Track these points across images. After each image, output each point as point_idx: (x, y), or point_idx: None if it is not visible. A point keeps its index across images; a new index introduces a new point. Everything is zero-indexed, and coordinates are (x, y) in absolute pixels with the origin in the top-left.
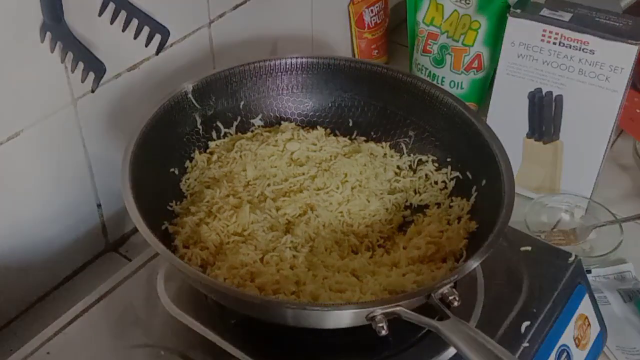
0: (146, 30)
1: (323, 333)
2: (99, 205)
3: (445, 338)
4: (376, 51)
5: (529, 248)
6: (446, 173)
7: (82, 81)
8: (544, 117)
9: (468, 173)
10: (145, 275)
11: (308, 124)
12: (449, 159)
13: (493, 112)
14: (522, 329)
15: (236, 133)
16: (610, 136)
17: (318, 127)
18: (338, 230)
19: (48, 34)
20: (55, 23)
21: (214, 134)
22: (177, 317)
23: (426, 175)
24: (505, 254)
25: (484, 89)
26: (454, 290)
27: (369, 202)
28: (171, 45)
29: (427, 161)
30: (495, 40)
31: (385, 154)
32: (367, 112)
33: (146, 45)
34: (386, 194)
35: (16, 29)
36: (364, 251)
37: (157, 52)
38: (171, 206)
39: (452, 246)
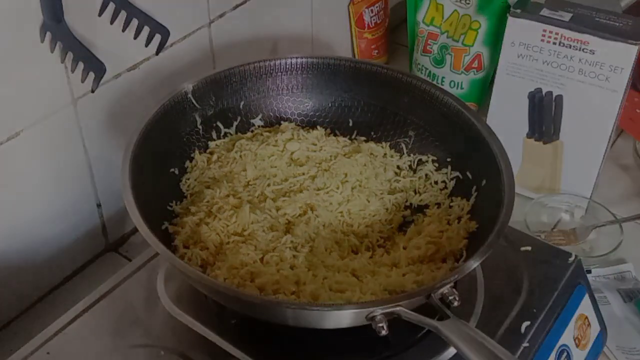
0: (146, 30)
1: (323, 333)
2: (99, 205)
3: (445, 338)
4: (376, 51)
5: (529, 248)
6: (446, 173)
7: (82, 81)
8: (544, 117)
9: (468, 173)
10: (145, 275)
11: (308, 124)
12: (449, 159)
13: (493, 112)
14: (522, 329)
15: (236, 133)
16: (610, 136)
17: (318, 127)
18: (338, 230)
19: (48, 34)
20: (55, 23)
21: (214, 134)
22: (177, 317)
23: (426, 175)
24: (505, 254)
25: (484, 89)
26: (454, 290)
27: (369, 202)
28: (171, 45)
29: (427, 161)
30: (495, 40)
31: (385, 154)
32: (367, 112)
33: (146, 45)
34: (386, 194)
35: (16, 29)
36: (364, 251)
37: (157, 52)
38: (171, 206)
39: (452, 246)
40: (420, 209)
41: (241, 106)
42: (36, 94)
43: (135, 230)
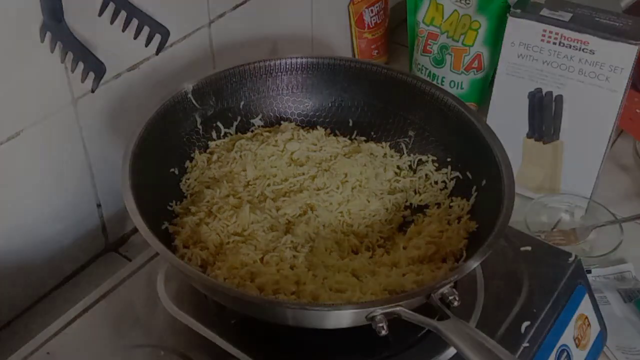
0: (146, 30)
1: (323, 333)
2: (99, 205)
3: (445, 338)
4: (376, 51)
5: (529, 248)
6: (446, 173)
7: (82, 81)
8: (544, 117)
9: (468, 173)
10: (145, 275)
11: (308, 124)
12: (449, 159)
13: (493, 112)
14: (522, 329)
15: (236, 133)
16: (610, 136)
17: (318, 127)
18: (338, 230)
19: (48, 34)
20: (55, 23)
21: (214, 134)
22: (177, 317)
23: (426, 175)
24: (505, 254)
25: (484, 89)
26: (454, 290)
27: (369, 202)
28: (171, 45)
29: (427, 161)
30: (495, 40)
31: (385, 154)
32: (367, 112)
33: (146, 45)
34: (386, 194)
35: (16, 29)
36: (364, 251)
37: (157, 52)
38: (171, 206)
39: (452, 246)
40: (420, 209)
41: (241, 106)
42: (36, 94)
43: (135, 230)
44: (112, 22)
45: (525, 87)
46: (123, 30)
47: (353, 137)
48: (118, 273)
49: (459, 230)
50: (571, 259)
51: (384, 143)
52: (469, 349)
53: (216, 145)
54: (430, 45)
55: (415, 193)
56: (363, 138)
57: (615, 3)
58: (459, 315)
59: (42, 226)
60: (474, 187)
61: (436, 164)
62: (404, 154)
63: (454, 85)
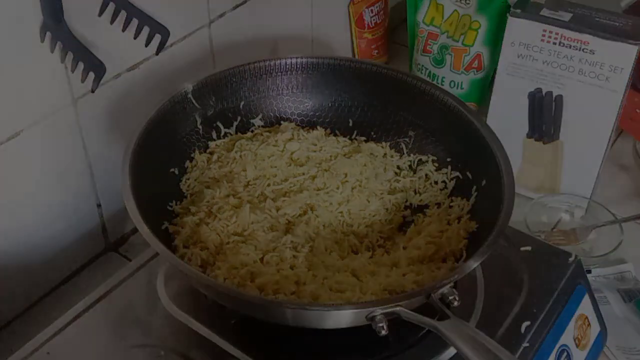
0: (146, 30)
1: (323, 333)
2: (99, 205)
3: (445, 338)
4: (376, 51)
5: (529, 248)
6: (446, 173)
7: (82, 81)
8: (544, 117)
9: (468, 173)
10: (145, 275)
11: (308, 124)
12: (449, 159)
13: (493, 112)
14: (522, 329)
15: (236, 133)
16: (610, 136)
17: (318, 127)
18: (338, 230)
19: (48, 34)
20: (55, 23)
21: (214, 134)
22: (177, 317)
23: (426, 175)
24: (505, 254)
25: (484, 89)
26: (454, 290)
27: (369, 202)
28: (171, 45)
29: (427, 161)
30: (495, 40)
31: (385, 154)
32: (367, 112)
33: (146, 45)
34: (386, 194)
35: (16, 29)
36: (364, 251)
37: (157, 52)
38: (171, 206)
39: (452, 246)
40: (420, 209)
41: (241, 106)
42: (36, 94)
43: (135, 230)
44: (112, 22)
45: (525, 87)
46: (123, 30)
47: (353, 137)
48: (118, 273)
49: (459, 230)
50: (571, 259)
51: (384, 143)
52: (469, 349)
53: (216, 145)
54: (430, 45)
55: (415, 193)
56: (363, 138)
57: (615, 3)
58: (459, 315)
59: (42, 226)
60: (474, 187)
61: (436, 164)
62: (404, 154)
63: (454, 85)
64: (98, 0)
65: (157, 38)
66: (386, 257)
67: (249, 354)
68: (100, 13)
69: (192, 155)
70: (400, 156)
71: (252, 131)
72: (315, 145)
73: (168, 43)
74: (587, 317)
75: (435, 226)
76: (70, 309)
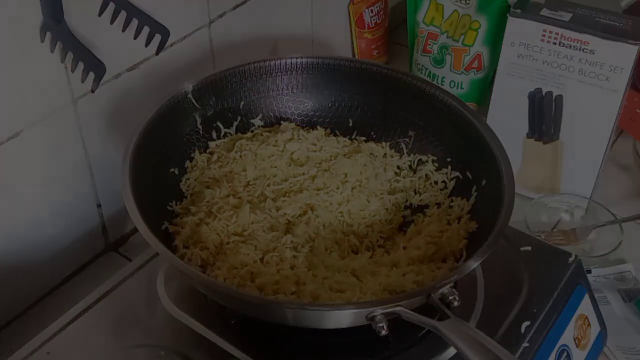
0: (146, 30)
1: (323, 333)
2: (99, 205)
3: (445, 338)
4: (376, 51)
5: (529, 248)
6: (446, 173)
7: (82, 81)
8: (544, 117)
9: (468, 173)
10: (145, 275)
11: (308, 124)
12: (449, 159)
13: (493, 112)
14: (522, 329)
15: (236, 133)
16: (610, 136)
17: (318, 127)
18: (338, 230)
19: (48, 34)
20: (55, 23)
21: (214, 134)
22: (177, 317)
23: (426, 175)
24: (505, 254)
25: (484, 89)
26: (454, 290)
27: (369, 202)
28: (171, 45)
29: (427, 161)
30: (495, 40)
31: (385, 154)
32: (367, 112)
33: (146, 45)
34: (386, 194)
35: (16, 29)
36: (364, 251)
37: (157, 52)
38: (171, 206)
39: (452, 246)
40: (420, 209)
41: (241, 106)
42: (36, 94)
43: (135, 230)
44: (112, 22)
45: (525, 87)
46: (123, 30)
47: (353, 137)
48: (118, 273)
49: (459, 230)
50: (571, 259)
51: (384, 143)
52: (469, 349)
53: (216, 145)
54: (430, 45)
55: (415, 193)
56: (363, 138)
57: (615, 3)
58: (459, 315)
59: (42, 226)
60: (474, 187)
61: (436, 164)
62: (404, 154)
63: (454, 85)
64: (98, 0)
65: (157, 38)
66: (386, 257)
67: (249, 354)
68: (100, 13)
69: (192, 155)
70: (400, 156)
71: (252, 131)
72: (315, 145)
73: (168, 43)
74: (587, 317)
75: (435, 226)
76: (70, 309)
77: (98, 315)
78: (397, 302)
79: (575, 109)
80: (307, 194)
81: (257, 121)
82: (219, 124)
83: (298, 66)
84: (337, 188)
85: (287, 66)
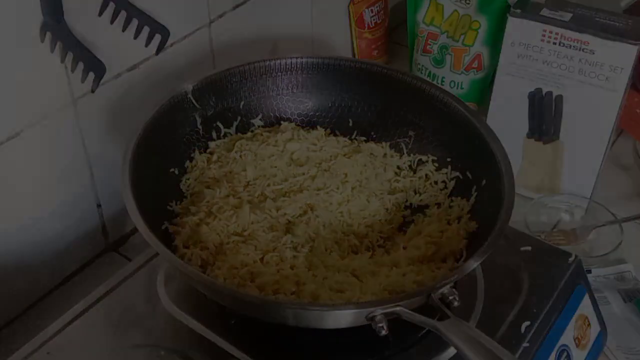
0: (146, 30)
1: (323, 333)
2: (99, 205)
3: (445, 338)
4: (376, 51)
5: (529, 248)
6: (446, 173)
7: (82, 81)
8: (544, 117)
9: (468, 173)
10: (145, 275)
11: (308, 124)
12: (449, 159)
13: (493, 112)
14: (522, 329)
15: (236, 133)
16: (610, 136)
17: (318, 127)
18: (338, 230)
19: (48, 34)
20: (55, 23)
21: (214, 134)
22: (177, 317)
23: (426, 175)
24: (505, 254)
25: (484, 89)
26: (454, 290)
27: (369, 202)
28: (171, 45)
29: (427, 161)
30: (495, 40)
31: (385, 154)
32: (367, 112)
33: (146, 45)
34: (386, 194)
35: (16, 29)
36: (364, 251)
37: (157, 52)
38: (171, 206)
39: (452, 246)
40: (420, 209)
41: (241, 106)
42: (36, 94)
43: (135, 230)
44: (112, 22)
45: (525, 87)
46: (123, 30)
47: (353, 137)
48: (118, 273)
49: (459, 230)
50: (571, 259)
51: (384, 143)
52: (469, 349)
53: (216, 145)
54: (430, 45)
55: (415, 193)
56: (363, 138)
57: (615, 3)
58: (459, 315)
59: (42, 226)
60: (474, 187)
61: (436, 164)
62: (404, 154)
63: (454, 85)
64: (98, 0)
65: (157, 38)
66: (386, 257)
67: (249, 354)
68: (100, 13)
69: (192, 155)
70: (400, 156)
71: (252, 131)
72: (315, 145)
73: (168, 43)
74: (587, 317)
75: (435, 226)
76: (70, 309)
77: (98, 315)
78: (397, 302)
79: (575, 109)
80: (307, 194)
81: (257, 121)
82: (219, 124)
83: (298, 66)
84: (337, 188)
85: (287, 66)
